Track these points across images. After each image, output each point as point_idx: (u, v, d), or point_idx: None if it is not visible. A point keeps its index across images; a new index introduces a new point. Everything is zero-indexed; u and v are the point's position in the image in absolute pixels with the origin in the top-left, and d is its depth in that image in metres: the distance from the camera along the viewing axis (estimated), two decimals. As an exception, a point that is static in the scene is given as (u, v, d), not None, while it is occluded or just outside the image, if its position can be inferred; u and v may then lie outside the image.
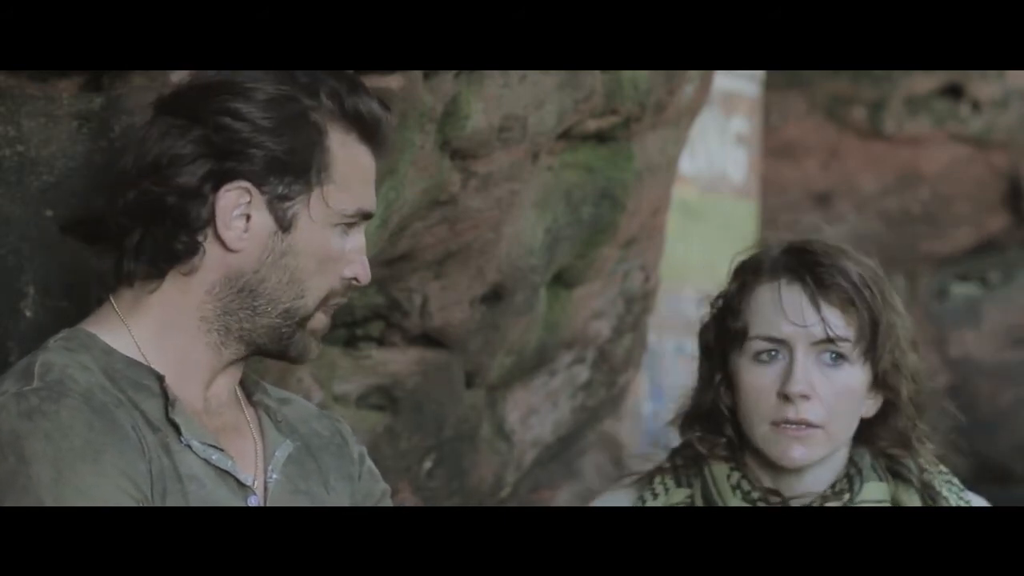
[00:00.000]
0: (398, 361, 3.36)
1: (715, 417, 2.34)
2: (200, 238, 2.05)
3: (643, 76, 3.48)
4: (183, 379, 2.08)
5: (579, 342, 3.91)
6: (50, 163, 2.37)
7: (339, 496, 2.16)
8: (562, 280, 3.69)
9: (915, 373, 2.33)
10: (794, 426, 2.27)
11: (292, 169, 2.04)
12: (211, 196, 2.04)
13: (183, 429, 2.03)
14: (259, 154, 2.03)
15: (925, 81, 8.02)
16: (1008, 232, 8.38)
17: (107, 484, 1.91)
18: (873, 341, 2.28)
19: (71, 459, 1.91)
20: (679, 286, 6.35)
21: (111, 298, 2.11)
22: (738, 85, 6.78)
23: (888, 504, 2.33)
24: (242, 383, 2.19)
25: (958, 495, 2.37)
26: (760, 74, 6.95)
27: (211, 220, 2.05)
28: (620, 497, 2.42)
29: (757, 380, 2.29)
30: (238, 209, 2.05)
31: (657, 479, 2.39)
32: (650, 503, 2.37)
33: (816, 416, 2.27)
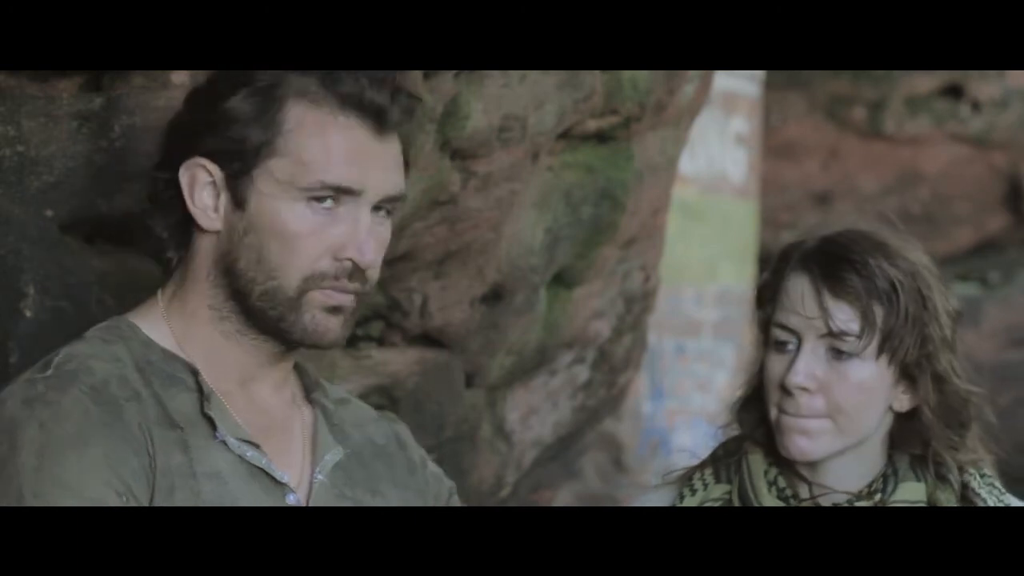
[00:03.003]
0: (398, 361, 3.36)
1: (764, 401, 2.33)
2: (190, 227, 2.07)
3: (643, 76, 3.48)
4: (217, 373, 2.06)
5: (579, 342, 3.91)
6: (50, 163, 2.37)
7: (388, 503, 2.12)
8: (562, 280, 3.69)
9: (943, 374, 2.30)
10: (797, 418, 2.26)
11: (240, 143, 2.03)
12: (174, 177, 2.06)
13: (219, 424, 2.01)
14: (213, 129, 2.03)
15: (925, 81, 8.02)
16: (1008, 232, 8.39)
17: (90, 476, 1.90)
18: (887, 337, 2.26)
19: (57, 447, 1.90)
20: (679, 286, 6.36)
21: (160, 289, 2.11)
22: (738, 85, 6.79)
23: (922, 505, 2.31)
24: (302, 381, 2.17)
25: (998, 498, 2.34)
26: (760, 74, 6.96)
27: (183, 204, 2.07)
28: (661, 495, 2.41)
29: (772, 368, 2.29)
30: (201, 188, 2.04)
31: (697, 475, 2.39)
32: (688, 499, 2.36)
33: (817, 409, 2.25)
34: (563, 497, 4.81)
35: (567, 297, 3.74)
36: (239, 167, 2.03)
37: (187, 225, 2.06)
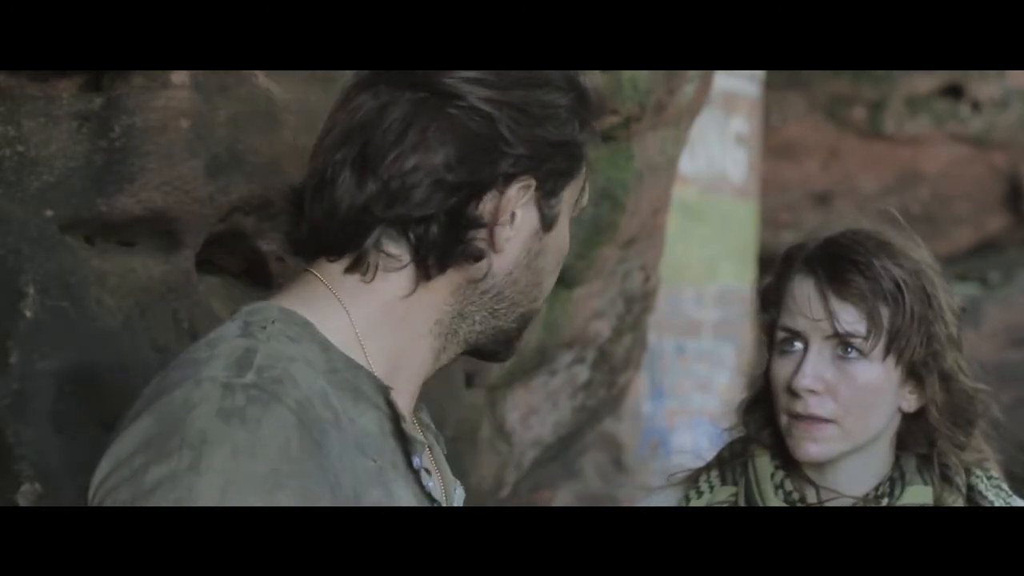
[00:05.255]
0: (398, 361, 3.35)
1: (770, 403, 2.33)
2: (484, 237, 1.81)
3: (643, 76, 3.48)
4: (399, 397, 1.82)
5: (579, 342, 3.91)
6: (50, 163, 2.37)
7: None
8: (562, 280, 3.68)
9: (950, 372, 2.30)
10: (805, 420, 2.25)
11: (566, 158, 1.84)
12: (502, 191, 1.80)
13: (415, 449, 1.80)
14: (541, 141, 1.81)
15: (925, 81, 8.03)
16: (1008, 232, 8.39)
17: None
18: (894, 337, 2.26)
19: (244, 487, 1.63)
20: (679, 286, 6.36)
21: (319, 277, 1.82)
22: (738, 85, 6.79)
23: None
24: None
25: (1005, 500, 2.33)
26: (760, 74, 6.96)
27: (495, 218, 1.80)
28: (667, 496, 2.41)
29: (778, 371, 2.29)
30: (516, 206, 1.81)
31: (703, 477, 2.39)
32: (694, 501, 2.36)
33: (825, 411, 2.25)
34: (563, 497, 4.81)
35: (567, 297, 3.74)
36: (554, 186, 1.84)
37: (468, 239, 1.80)
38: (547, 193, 1.82)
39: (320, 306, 1.79)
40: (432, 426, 1.96)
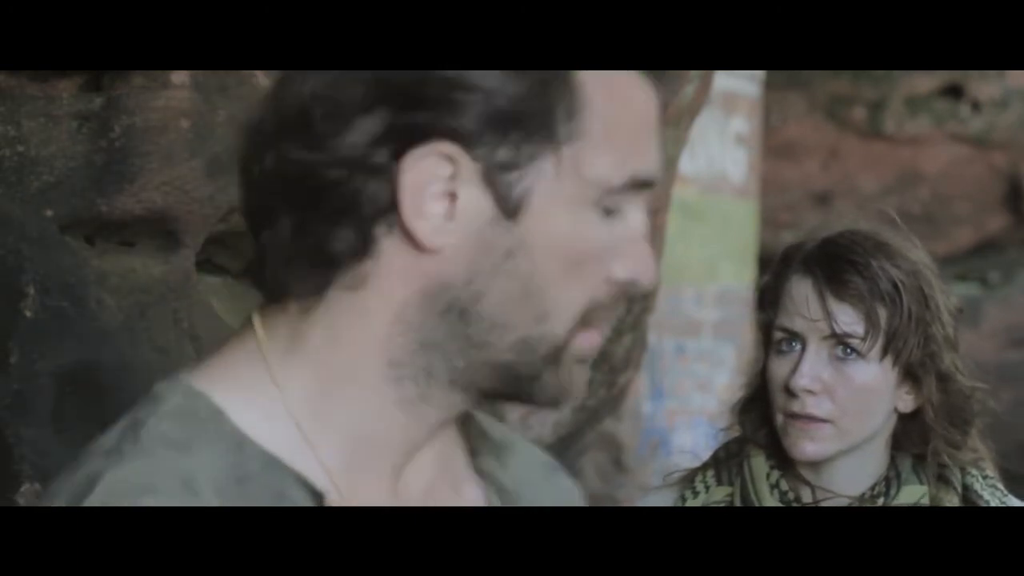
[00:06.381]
0: (398, 361, 3.35)
1: (766, 403, 2.34)
2: (376, 231, 1.32)
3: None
4: (359, 468, 1.38)
5: (579, 342, 3.90)
6: (50, 163, 2.37)
7: None
8: (562, 280, 3.69)
9: (947, 373, 2.30)
10: (802, 420, 2.26)
11: (523, 120, 1.33)
12: (392, 166, 1.31)
13: None
14: (471, 100, 1.33)
15: (925, 81, 8.02)
16: (1008, 232, 8.39)
17: None
18: (891, 338, 2.26)
19: None
20: (679, 286, 6.36)
21: (257, 324, 1.37)
22: (738, 85, 6.79)
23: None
24: (467, 438, 1.50)
25: (1000, 500, 2.34)
26: (760, 74, 6.96)
27: (394, 204, 1.32)
28: (663, 496, 2.41)
29: (775, 370, 2.30)
30: (435, 185, 1.31)
31: (699, 477, 2.39)
32: (690, 501, 2.37)
33: (822, 411, 2.25)
34: (563, 497, 4.80)
35: (567, 297, 3.73)
36: (513, 157, 1.32)
37: (336, 234, 1.32)
38: (500, 166, 1.32)
39: (247, 375, 1.36)
40: (497, 461, 1.54)
